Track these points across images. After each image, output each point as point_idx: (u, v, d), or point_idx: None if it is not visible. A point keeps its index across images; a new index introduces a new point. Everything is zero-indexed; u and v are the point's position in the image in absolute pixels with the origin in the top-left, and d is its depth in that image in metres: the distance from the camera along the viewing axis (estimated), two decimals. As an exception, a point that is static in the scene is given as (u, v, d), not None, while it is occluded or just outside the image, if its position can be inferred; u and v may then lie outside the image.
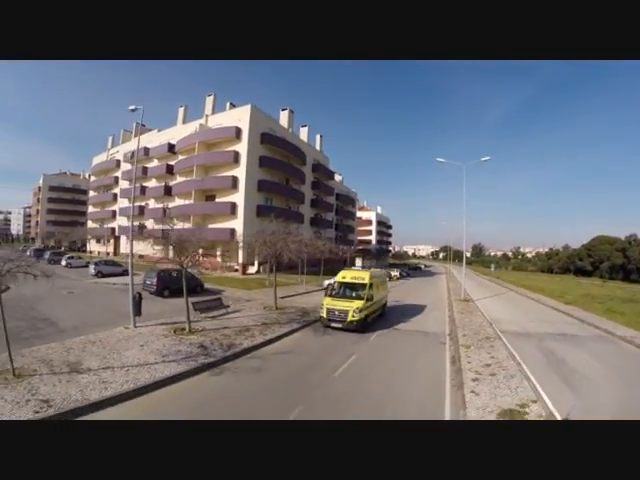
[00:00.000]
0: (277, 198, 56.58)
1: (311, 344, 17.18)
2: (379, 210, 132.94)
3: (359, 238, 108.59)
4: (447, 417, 9.95)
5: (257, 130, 52.50)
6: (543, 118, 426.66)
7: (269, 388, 11.33)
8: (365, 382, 12.15)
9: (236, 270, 48.92)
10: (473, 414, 9.63)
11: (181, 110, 62.05)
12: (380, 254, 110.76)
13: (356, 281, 21.79)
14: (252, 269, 49.67)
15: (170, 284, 27.68)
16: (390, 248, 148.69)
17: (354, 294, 21.17)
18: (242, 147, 51.09)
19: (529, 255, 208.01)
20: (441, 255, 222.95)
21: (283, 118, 62.73)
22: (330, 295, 21.40)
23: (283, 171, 57.74)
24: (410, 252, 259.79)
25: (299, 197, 61.82)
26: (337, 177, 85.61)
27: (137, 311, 17.13)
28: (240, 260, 47.89)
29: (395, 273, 62.90)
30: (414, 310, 28.54)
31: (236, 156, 50.70)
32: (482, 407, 10.12)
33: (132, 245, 19.30)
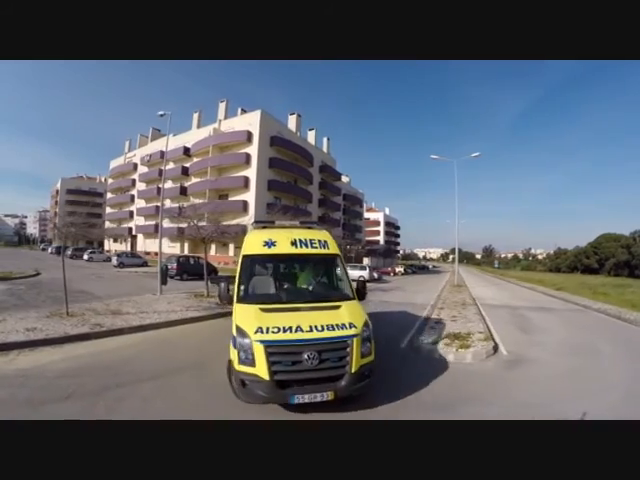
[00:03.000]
0: (286, 197, 60.23)
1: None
2: (387, 211, 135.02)
3: (367, 238, 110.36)
4: (403, 344, 11.85)
5: (267, 133, 56.21)
6: (555, 119, 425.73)
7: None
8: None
9: None
10: (424, 337, 12.03)
11: (195, 115, 66.18)
12: (388, 254, 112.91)
13: (315, 251, 8.44)
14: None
15: (188, 269, 31.37)
16: (398, 249, 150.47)
17: (320, 288, 8.61)
18: (253, 149, 54.90)
19: (540, 257, 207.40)
20: (450, 257, 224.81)
21: (291, 122, 66.43)
22: (252, 301, 7.33)
23: (291, 172, 61.06)
24: (421, 254, 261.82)
25: (307, 196, 65.05)
26: (344, 178, 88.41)
27: (164, 280, 19.87)
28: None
29: (400, 269, 68.42)
30: (409, 292, 31.15)
31: (247, 158, 54.50)
32: (438, 334, 12.40)
33: (161, 223, 22.11)
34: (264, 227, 9.90)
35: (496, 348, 11.14)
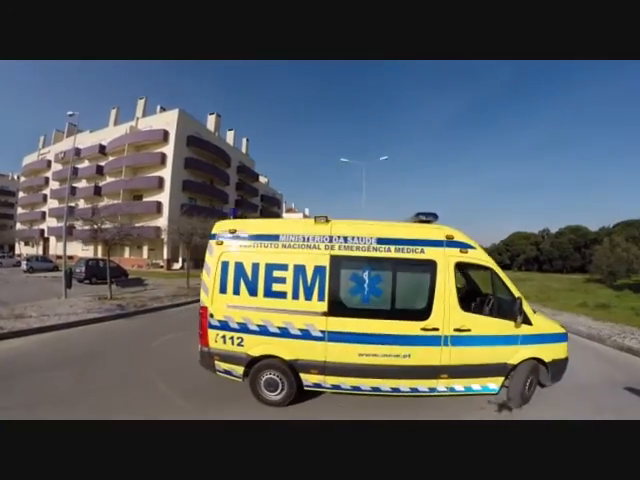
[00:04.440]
0: (201, 198, 60.03)
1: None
2: (307, 212, 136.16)
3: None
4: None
5: (184, 133, 56.17)
6: (483, 128, 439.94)
7: (160, 325, 14.92)
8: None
9: (162, 267, 52.14)
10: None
11: (113, 112, 64.68)
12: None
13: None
14: (177, 265, 53.23)
15: (97, 272, 30.89)
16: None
17: None
18: (169, 149, 54.75)
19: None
20: None
21: (210, 122, 66.36)
22: None
23: (208, 172, 61.14)
24: None
25: (223, 197, 64.98)
26: (263, 179, 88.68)
27: (68, 283, 20.45)
28: (165, 256, 51.52)
29: None
30: None
31: (163, 158, 54.35)
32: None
33: (66, 224, 22.46)
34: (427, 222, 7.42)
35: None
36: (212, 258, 7.35)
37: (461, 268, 7.57)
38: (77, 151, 64.14)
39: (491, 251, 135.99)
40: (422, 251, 6.92)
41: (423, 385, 6.96)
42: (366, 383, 6.96)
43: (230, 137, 72.91)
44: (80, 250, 59.03)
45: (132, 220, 46.50)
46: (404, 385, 6.96)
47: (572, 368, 8.02)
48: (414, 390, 6.99)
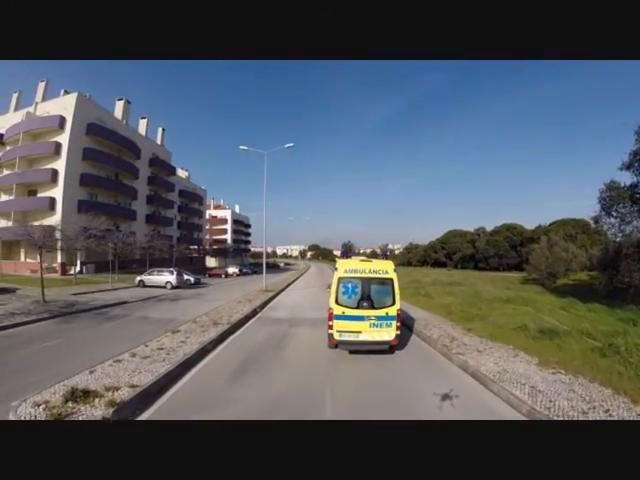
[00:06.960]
0: (104, 193, 54.02)
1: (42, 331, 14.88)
2: (237, 209, 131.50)
3: (215, 237, 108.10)
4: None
5: (83, 120, 50.15)
6: (414, 128, 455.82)
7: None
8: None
9: (56, 271, 45.22)
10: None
11: (15, 96, 56.44)
12: (236, 253, 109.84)
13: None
14: (78, 269, 45.64)
15: None
16: (250, 247, 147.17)
17: None
18: (65, 138, 48.29)
19: (397, 252, 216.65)
20: (309, 254, 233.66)
21: (118, 108, 60.33)
22: None
23: (112, 165, 55.18)
24: (282, 252, 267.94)
25: (131, 193, 59.54)
26: (182, 173, 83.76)
27: None
28: (59, 259, 45.18)
29: (235, 270, 66.64)
30: (204, 301, 26.43)
31: (57, 147, 47.83)
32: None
33: None
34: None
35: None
36: None
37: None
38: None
39: (426, 249, 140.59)
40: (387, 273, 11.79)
41: None
42: None
43: (142, 126, 67.35)
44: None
45: (26, 218, 37.99)
46: None
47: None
48: None
